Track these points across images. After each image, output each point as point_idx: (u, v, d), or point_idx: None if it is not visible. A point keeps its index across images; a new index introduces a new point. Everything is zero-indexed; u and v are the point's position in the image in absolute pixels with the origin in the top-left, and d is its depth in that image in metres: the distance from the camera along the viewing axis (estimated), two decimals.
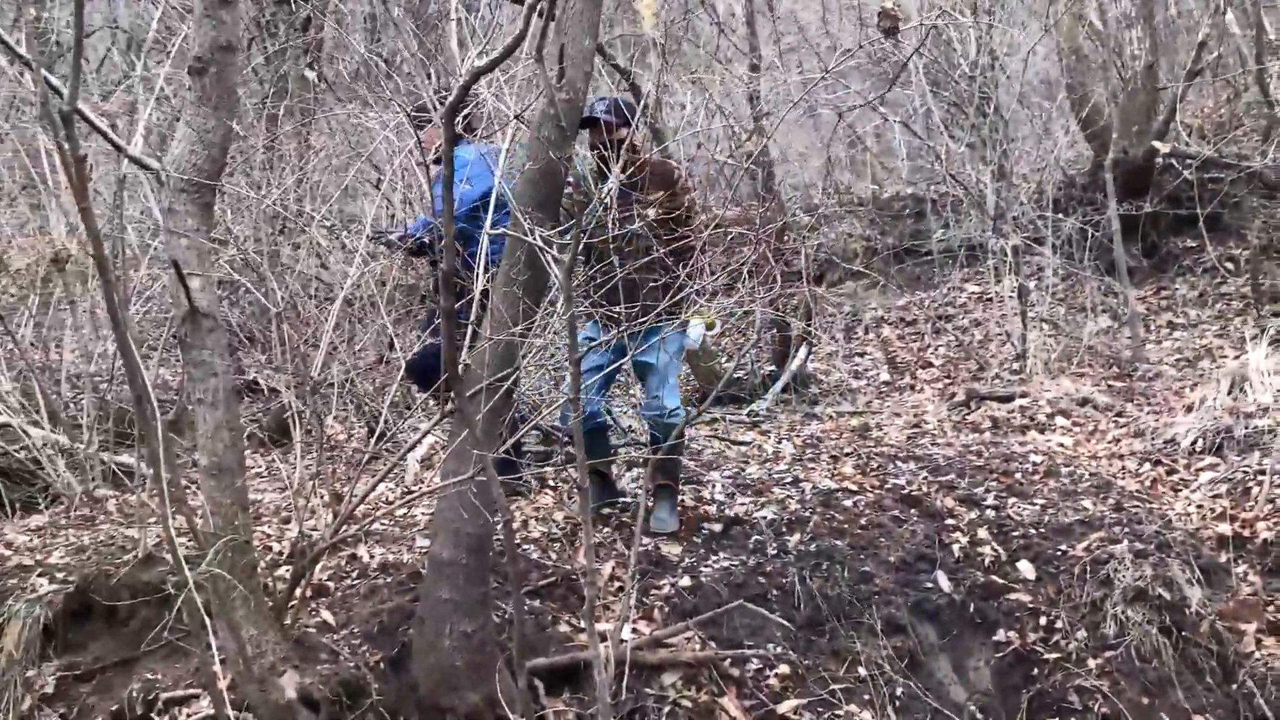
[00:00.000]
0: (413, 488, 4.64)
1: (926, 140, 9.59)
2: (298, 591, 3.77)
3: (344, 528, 3.74)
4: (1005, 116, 8.73)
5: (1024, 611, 4.34)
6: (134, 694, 3.89)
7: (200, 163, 3.51)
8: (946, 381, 8.42)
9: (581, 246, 4.27)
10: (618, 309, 3.72)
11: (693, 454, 6.06)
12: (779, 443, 6.23)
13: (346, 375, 3.71)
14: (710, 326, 4.41)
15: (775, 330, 8.90)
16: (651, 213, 4.03)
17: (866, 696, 3.99)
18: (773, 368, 8.74)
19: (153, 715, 3.86)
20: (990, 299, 9.42)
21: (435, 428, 3.74)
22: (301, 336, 3.50)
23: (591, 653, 3.19)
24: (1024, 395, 6.99)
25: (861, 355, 9.70)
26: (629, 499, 4.99)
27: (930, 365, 9.07)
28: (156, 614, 4.08)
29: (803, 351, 8.58)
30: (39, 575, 4.34)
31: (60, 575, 4.31)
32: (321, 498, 3.95)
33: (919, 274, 10.76)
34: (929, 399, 7.82)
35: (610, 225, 3.74)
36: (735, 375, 8.88)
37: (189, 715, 3.86)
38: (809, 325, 8.71)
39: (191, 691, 3.91)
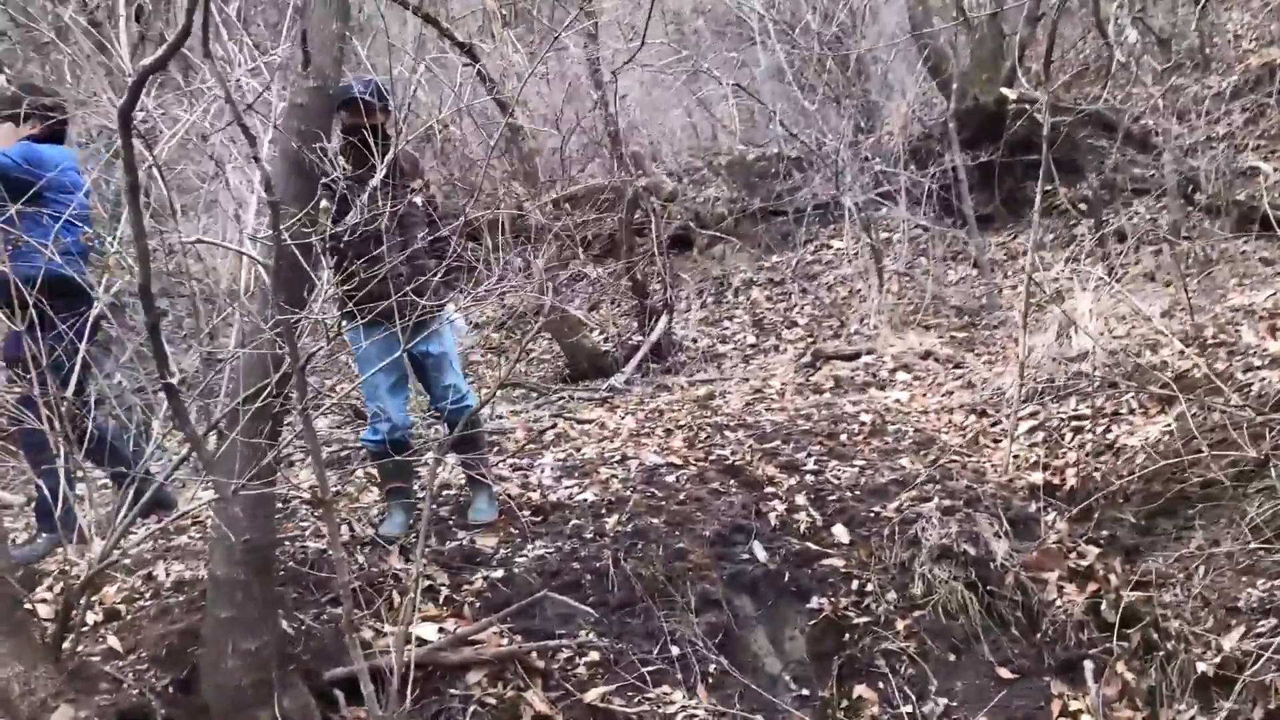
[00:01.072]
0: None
1: (764, 101, 9.55)
2: (72, 620, 3.61)
3: (115, 551, 3.57)
4: (849, 73, 8.74)
5: (837, 577, 4.36)
6: None
7: None
8: (809, 340, 8.46)
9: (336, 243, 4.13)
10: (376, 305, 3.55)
11: (533, 436, 5.99)
12: (622, 418, 6.18)
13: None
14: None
15: (636, 300, 8.86)
16: (419, 200, 3.90)
17: (678, 676, 3.97)
18: (639, 338, 8.70)
19: None
20: (849, 255, 9.48)
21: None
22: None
23: (355, 666, 3.09)
24: (870, 352, 7.05)
25: (730, 319, 9.69)
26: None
27: (795, 325, 9.11)
28: None
29: (663, 320, 8.54)
30: None
31: None
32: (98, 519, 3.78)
33: (787, 234, 10.77)
34: (790, 359, 7.84)
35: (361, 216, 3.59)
36: (601, 348, 8.83)
37: None
38: (668, 293, 8.68)
39: None
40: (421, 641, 3.87)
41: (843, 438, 5.31)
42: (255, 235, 2.75)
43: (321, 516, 4.63)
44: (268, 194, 2.48)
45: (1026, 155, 10.05)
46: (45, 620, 3.88)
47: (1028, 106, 10.14)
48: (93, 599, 4.01)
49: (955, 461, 4.97)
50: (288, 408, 3.39)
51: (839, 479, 4.88)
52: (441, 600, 4.14)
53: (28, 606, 4.05)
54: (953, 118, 9.03)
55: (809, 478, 4.91)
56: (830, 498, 4.75)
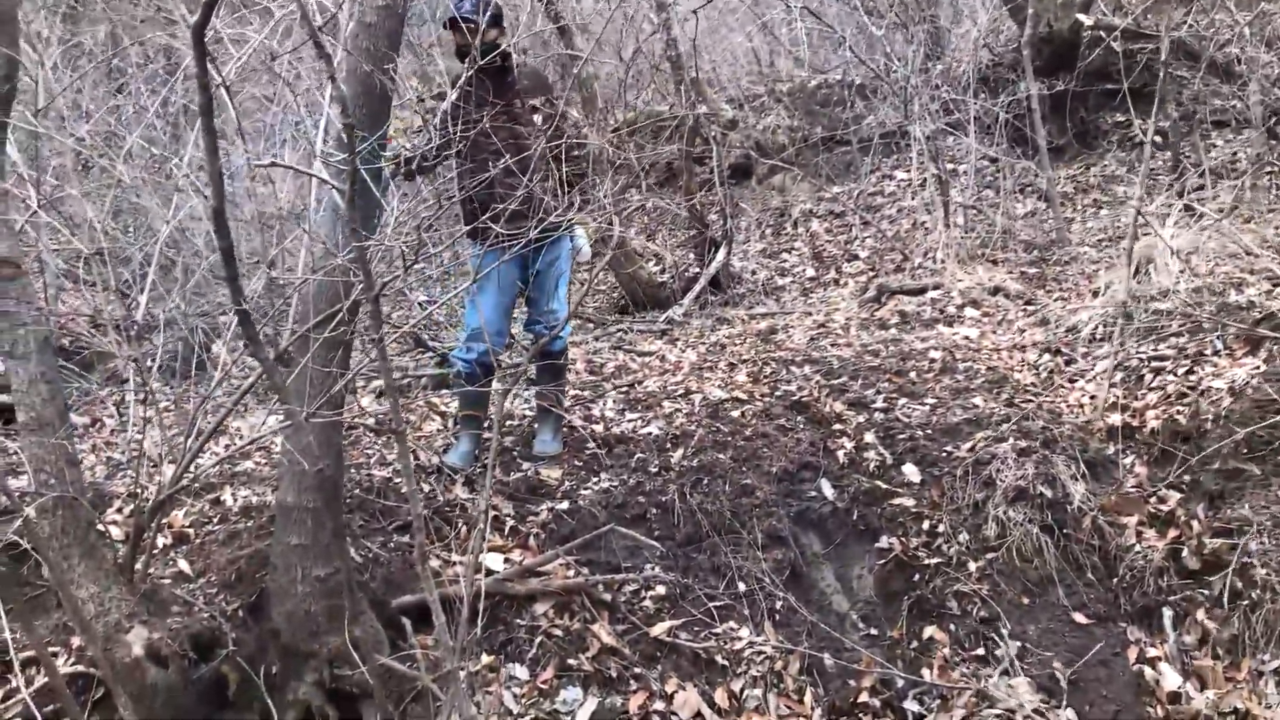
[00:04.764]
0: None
1: (832, 26, 9.24)
2: (143, 544, 3.63)
3: (186, 474, 3.57)
4: None
5: (907, 516, 4.27)
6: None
7: None
8: (871, 274, 8.28)
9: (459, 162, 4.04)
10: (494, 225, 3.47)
11: (594, 368, 5.93)
12: (683, 351, 6.09)
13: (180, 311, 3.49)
14: (591, 234, 4.21)
15: (695, 231, 8.71)
16: (538, 119, 3.79)
17: (744, 612, 3.93)
18: (697, 270, 8.57)
19: (9, 677, 3.76)
20: (915, 187, 9.24)
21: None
22: (118, 277, 3.28)
23: (428, 594, 3.07)
24: (937, 287, 6.87)
25: (789, 251, 9.52)
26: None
27: (856, 258, 8.92)
28: (10, 572, 3.95)
29: (721, 252, 8.40)
30: None
31: None
32: (167, 445, 3.78)
33: (848, 164, 10.52)
34: (851, 293, 7.69)
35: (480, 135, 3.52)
36: (658, 279, 8.71)
37: (45, 675, 3.74)
38: (728, 224, 8.52)
39: (50, 649, 3.79)
40: (488, 572, 3.86)
41: (912, 375, 5.18)
42: (327, 158, 2.67)
43: (386, 445, 4.63)
44: (343, 116, 2.39)
45: (1101, 85, 9.74)
46: (117, 542, 3.91)
47: (1104, 34, 9.80)
48: (163, 522, 4.04)
49: (1030, 401, 4.83)
50: (354, 335, 3.35)
51: (909, 417, 4.77)
52: (507, 531, 4.12)
53: (100, 529, 4.10)
54: (1027, 45, 8.69)
55: (878, 415, 4.80)
56: (900, 436, 4.64)
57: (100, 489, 4.45)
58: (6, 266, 3.27)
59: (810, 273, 8.77)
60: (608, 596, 3.87)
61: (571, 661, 3.63)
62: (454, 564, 3.95)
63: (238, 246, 4.66)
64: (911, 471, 4.44)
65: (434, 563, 3.98)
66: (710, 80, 10.51)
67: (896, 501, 4.32)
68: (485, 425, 4.56)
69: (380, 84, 3.27)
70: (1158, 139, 9.62)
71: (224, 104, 3.74)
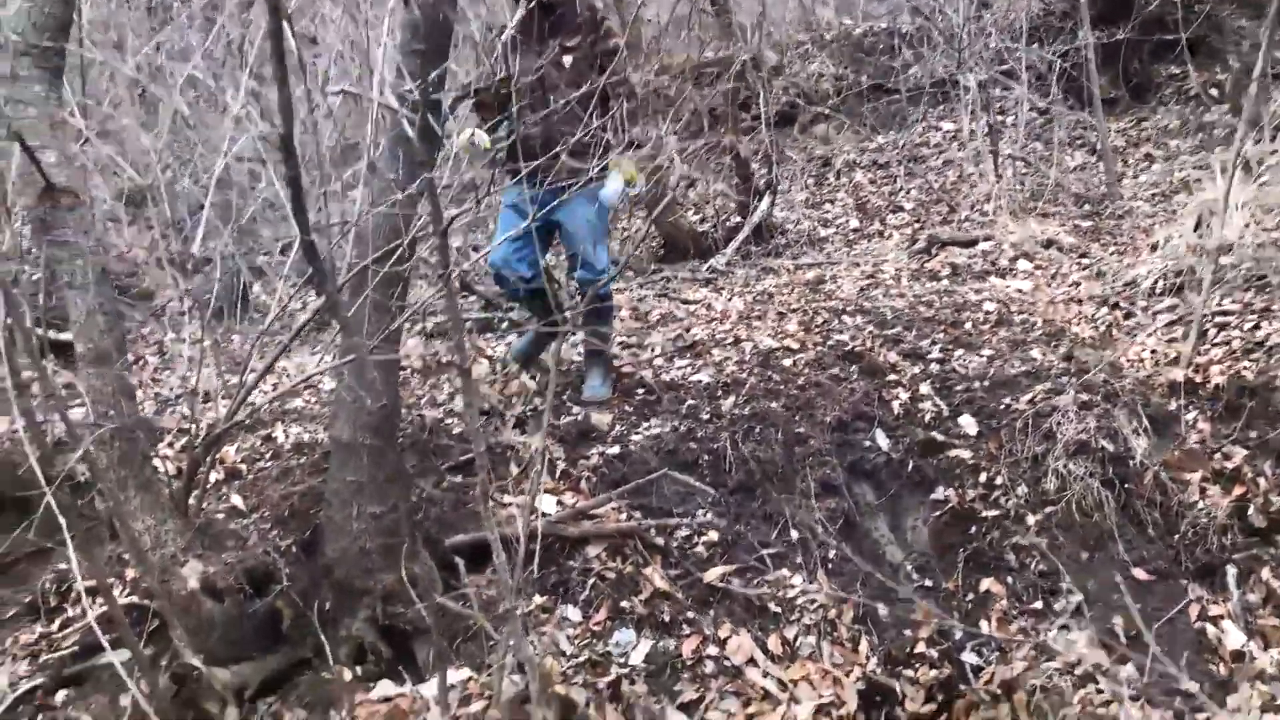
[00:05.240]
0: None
1: None
2: (198, 478, 3.62)
3: (240, 410, 3.55)
4: None
5: (964, 468, 4.20)
6: (47, 585, 3.81)
7: (41, 21, 3.20)
8: (916, 226, 8.14)
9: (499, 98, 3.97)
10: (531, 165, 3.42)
11: (639, 315, 5.87)
12: (729, 300, 6.02)
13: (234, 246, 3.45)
14: (630, 181, 4.10)
15: (738, 179, 8.58)
16: (567, 60, 3.71)
17: (798, 560, 3.89)
18: (738, 219, 8.46)
19: (66, 605, 3.79)
20: (963, 138, 9.06)
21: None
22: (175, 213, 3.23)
23: (487, 532, 3.04)
24: (988, 239, 6.74)
25: (832, 202, 9.38)
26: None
27: (901, 210, 8.78)
28: (70, 503, 3.96)
29: (765, 201, 8.28)
30: None
31: None
32: (223, 379, 3.76)
33: (893, 113, 10.33)
34: (896, 245, 7.56)
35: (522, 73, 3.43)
36: (698, 228, 8.61)
37: (104, 604, 3.76)
38: (773, 172, 8.39)
39: (108, 581, 3.81)
40: (541, 514, 3.84)
41: (967, 326, 5.09)
42: (395, 88, 2.60)
43: (435, 386, 4.60)
44: (414, 42, 2.32)
45: (1158, 35, 9.48)
46: (170, 477, 3.91)
47: None
48: (214, 458, 4.04)
49: (1089, 355, 4.73)
50: (411, 273, 3.30)
51: (966, 368, 4.68)
52: (559, 474, 4.09)
53: (154, 463, 4.11)
54: None
55: (933, 366, 4.72)
56: (957, 388, 4.56)
57: (150, 424, 4.45)
58: (66, 196, 3.24)
59: (854, 224, 8.64)
60: (660, 541, 3.84)
61: (624, 604, 3.61)
62: (506, 505, 3.93)
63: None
64: (968, 423, 4.37)
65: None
66: (755, 25, 10.29)
67: (953, 453, 4.25)
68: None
69: (444, 16, 3.19)
70: (1214, 91, 9.39)
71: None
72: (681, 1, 8.92)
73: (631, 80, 4.10)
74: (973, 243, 6.75)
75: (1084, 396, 4.29)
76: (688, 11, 9.29)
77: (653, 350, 5.04)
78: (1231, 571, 3.78)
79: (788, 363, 4.78)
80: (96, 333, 3.31)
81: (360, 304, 3.24)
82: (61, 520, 2.69)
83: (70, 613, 3.76)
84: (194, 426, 3.53)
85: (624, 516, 3.90)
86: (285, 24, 3.21)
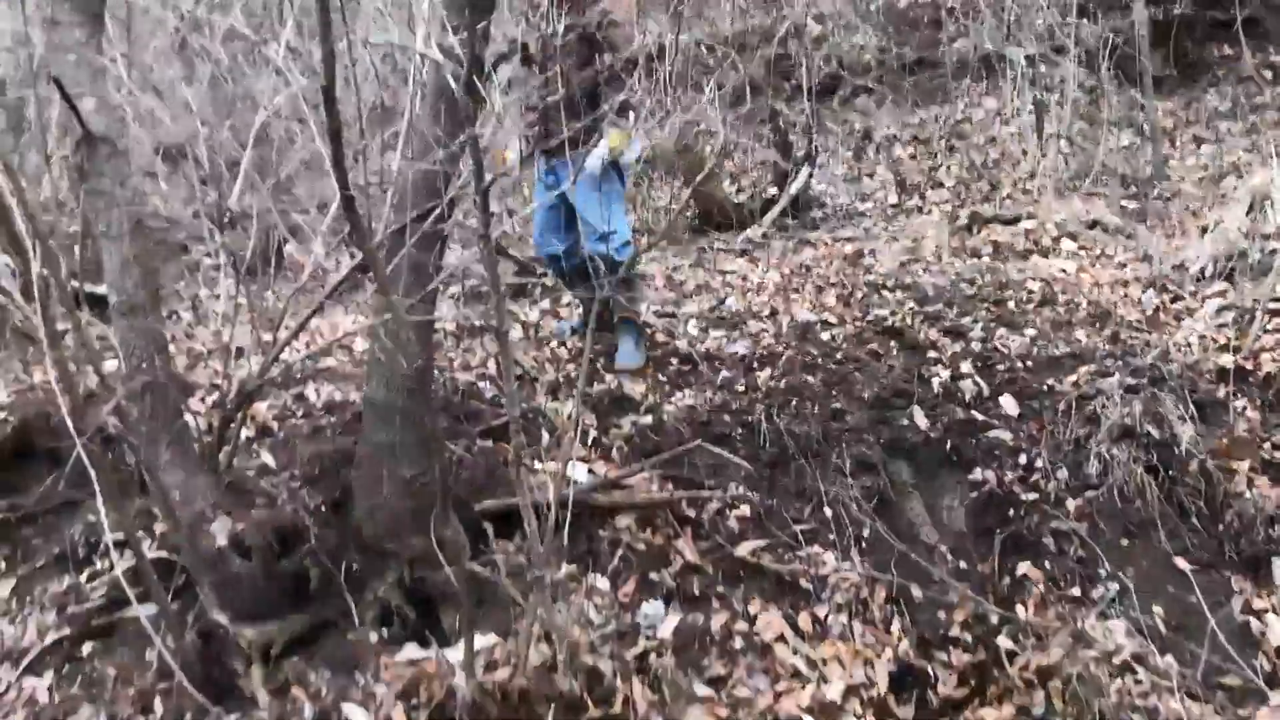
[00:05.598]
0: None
1: None
2: (229, 434, 3.60)
3: (273, 367, 3.51)
4: None
5: (1003, 450, 4.12)
6: (76, 536, 3.80)
7: None
8: (956, 203, 8.00)
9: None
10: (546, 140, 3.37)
11: (673, 284, 5.79)
12: (765, 272, 5.93)
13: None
14: (615, 149, 4.02)
15: (776, 150, 8.46)
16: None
17: (830, 538, 3.83)
18: (774, 191, 8.34)
19: (94, 558, 3.78)
20: (1007, 114, 8.88)
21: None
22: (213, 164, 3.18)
23: (520, 499, 3.00)
24: (1031, 217, 6.61)
25: (870, 176, 9.24)
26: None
27: (941, 185, 8.64)
28: (100, 455, 3.94)
29: (804, 173, 8.15)
30: None
31: (2, 415, 4.17)
32: (257, 335, 3.72)
33: (935, 88, 10.14)
34: (935, 221, 7.43)
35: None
36: (737, 200, 8.49)
37: (133, 557, 3.75)
38: (812, 144, 8.26)
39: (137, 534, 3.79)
40: (572, 482, 3.79)
41: (1010, 305, 4.98)
42: (429, 38, 2.53)
43: (468, 349, 4.55)
44: None
45: (1211, 13, 9.25)
46: (201, 433, 3.88)
47: None
48: (245, 415, 4.01)
49: (1135, 338, 4.62)
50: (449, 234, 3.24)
51: (1008, 348, 4.58)
52: (590, 442, 4.04)
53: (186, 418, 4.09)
54: None
55: (974, 345, 4.63)
56: (998, 367, 4.47)
57: (182, 380, 4.43)
58: (104, 144, 3.19)
59: (893, 199, 8.51)
60: (691, 513, 3.79)
61: (654, 576, 3.56)
62: (537, 472, 3.88)
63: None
64: (1009, 404, 4.27)
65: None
66: None
67: (992, 434, 4.17)
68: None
69: None
70: (1267, 74, 9.16)
71: None
72: None
73: (620, 32, 3.94)
74: (1015, 220, 6.62)
75: (1130, 380, 4.19)
76: None
77: (688, 320, 4.97)
78: (1278, 564, 3.69)
79: (825, 336, 4.70)
80: (130, 284, 3.28)
81: (397, 263, 3.19)
82: (91, 472, 2.66)
83: (99, 565, 3.75)
84: (225, 383, 3.50)
85: (655, 487, 3.85)
86: None
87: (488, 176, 2.56)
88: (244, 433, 4.01)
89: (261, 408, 4.13)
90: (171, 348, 4.97)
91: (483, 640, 3.32)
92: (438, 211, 3.07)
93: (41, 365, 4.57)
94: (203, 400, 4.18)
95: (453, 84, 2.48)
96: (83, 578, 3.69)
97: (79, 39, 3.14)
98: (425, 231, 3.11)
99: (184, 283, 6.27)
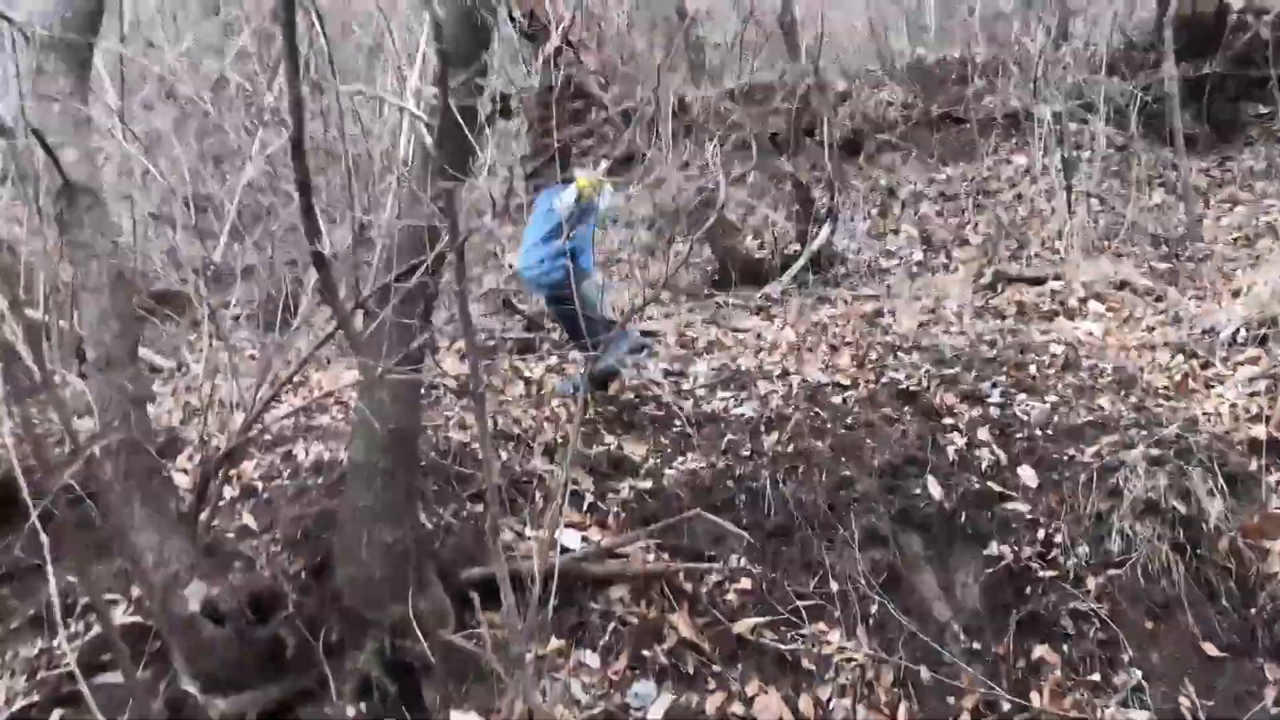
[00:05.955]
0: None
1: None
2: (208, 495, 3.47)
3: (256, 426, 3.39)
4: None
5: (1021, 523, 3.92)
6: (52, 598, 3.67)
7: (69, 16, 3.08)
8: (983, 261, 7.83)
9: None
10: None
11: (686, 341, 5.64)
12: (780, 330, 5.77)
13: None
14: (583, 195, 3.97)
15: (798, 206, 8.34)
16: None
17: (836, 614, 3.63)
18: (797, 247, 8.21)
19: (69, 620, 3.65)
20: (1035, 172, 8.72)
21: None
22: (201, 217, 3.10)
23: (497, 571, 2.84)
24: (1058, 277, 6.43)
25: (895, 232, 9.09)
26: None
27: (967, 243, 8.47)
28: (82, 513, 3.83)
29: (826, 229, 8.02)
30: None
31: None
32: (240, 394, 3.61)
33: (962, 144, 10.01)
34: (960, 280, 7.26)
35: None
36: (755, 254, 8.36)
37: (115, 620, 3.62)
38: (834, 200, 8.14)
39: (111, 596, 3.67)
40: (563, 550, 3.63)
41: (1031, 369, 4.79)
42: (419, 92, 2.44)
43: (465, 407, 4.42)
44: (436, 41, 2.14)
45: (1245, 72, 9.07)
46: (184, 491, 3.77)
47: (1252, 18, 9.12)
48: (231, 474, 3.89)
49: (1162, 406, 4.42)
50: (439, 290, 3.12)
51: (1027, 415, 4.39)
52: (586, 507, 3.88)
53: (167, 475, 3.97)
54: (1169, 25, 8.09)
55: (993, 411, 4.43)
56: (1016, 435, 4.27)
57: (175, 434, 4.33)
58: (85, 195, 3.12)
59: (918, 256, 8.35)
60: (689, 586, 3.62)
61: (646, 652, 3.39)
62: (529, 538, 3.73)
63: (323, 192, 4.49)
64: (1028, 474, 4.08)
65: (507, 536, 3.76)
66: (823, 50, 10.07)
67: (1009, 506, 3.97)
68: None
69: (480, 16, 3.02)
70: None
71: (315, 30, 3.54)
72: (748, 23, 8.73)
73: (599, 94, 3.91)
74: (1041, 280, 6.44)
75: (1155, 451, 3.98)
76: (755, 35, 9.10)
77: (695, 380, 4.82)
78: None
79: (837, 399, 4.53)
80: (109, 338, 3.18)
81: (381, 320, 3.08)
82: (43, 537, 2.54)
83: (73, 628, 3.62)
84: (207, 440, 3.39)
85: (652, 557, 3.68)
86: (318, 21, 3.07)
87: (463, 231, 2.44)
88: (229, 492, 3.89)
89: (249, 466, 4.01)
90: (170, 401, 4.90)
91: (462, 718, 3.16)
92: (423, 268, 2.95)
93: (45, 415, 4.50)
94: (190, 458, 4.07)
95: (427, 138, 2.36)
96: (55, 641, 3.55)
97: (63, 89, 3.07)
98: (412, 288, 2.99)
99: (194, 335, 6.20)
